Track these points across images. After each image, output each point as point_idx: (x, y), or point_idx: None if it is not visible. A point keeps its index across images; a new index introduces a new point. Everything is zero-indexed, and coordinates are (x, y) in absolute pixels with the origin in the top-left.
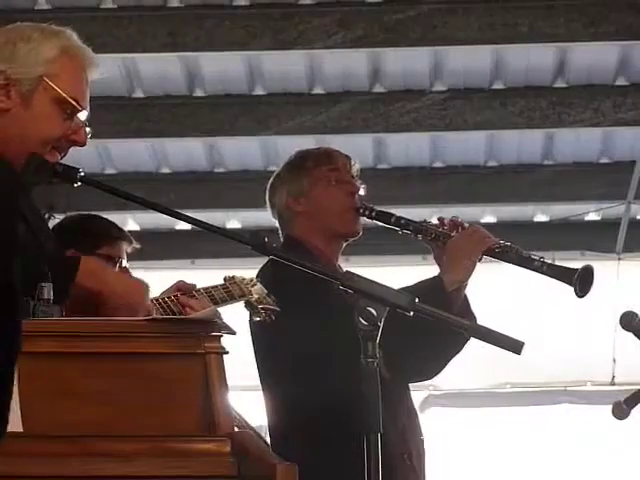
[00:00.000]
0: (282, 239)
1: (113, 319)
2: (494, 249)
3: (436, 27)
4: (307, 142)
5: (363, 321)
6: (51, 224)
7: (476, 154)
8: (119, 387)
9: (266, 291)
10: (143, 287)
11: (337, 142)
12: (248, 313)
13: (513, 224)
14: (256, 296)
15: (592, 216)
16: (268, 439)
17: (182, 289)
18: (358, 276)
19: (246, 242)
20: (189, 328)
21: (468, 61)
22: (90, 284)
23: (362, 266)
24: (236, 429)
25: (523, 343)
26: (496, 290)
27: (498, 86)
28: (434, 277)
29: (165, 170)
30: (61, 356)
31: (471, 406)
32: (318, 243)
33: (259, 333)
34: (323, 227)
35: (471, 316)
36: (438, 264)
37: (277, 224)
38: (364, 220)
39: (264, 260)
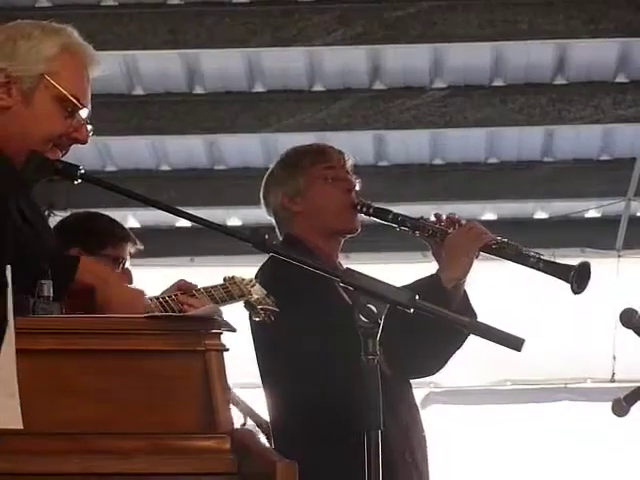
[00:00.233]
0: (280, 237)
1: (113, 316)
2: (491, 245)
3: (436, 24)
4: (307, 139)
5: (363, 318)
6: (51, 222)
7: (476, 151)
8: (119, 385)
9: (265, 292)
10: (138, 297)
11: (337, 139)
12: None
13: (513, 221)
14: (255, 296)
15: (592, 213)
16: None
17: (182, 288)
18: (358, 273)
19: (246, 239)
20: (189, 325)
21: (468, 58)
22: (89, 281)
23: (362, 263)
24: (251, 424)
25: (523, 340)
26: (496, 287)
27: (498, 83)
28: (432, 275)
29: (165, 167)
30: (61, 353)
31: (472, 403)
32: (317, 241)
33: (259, 331)
34: (321, 226)
35: (471, 313)
36: (437, 260)
37: (274, 222)
38: (362, 217)
39: (264, 258)
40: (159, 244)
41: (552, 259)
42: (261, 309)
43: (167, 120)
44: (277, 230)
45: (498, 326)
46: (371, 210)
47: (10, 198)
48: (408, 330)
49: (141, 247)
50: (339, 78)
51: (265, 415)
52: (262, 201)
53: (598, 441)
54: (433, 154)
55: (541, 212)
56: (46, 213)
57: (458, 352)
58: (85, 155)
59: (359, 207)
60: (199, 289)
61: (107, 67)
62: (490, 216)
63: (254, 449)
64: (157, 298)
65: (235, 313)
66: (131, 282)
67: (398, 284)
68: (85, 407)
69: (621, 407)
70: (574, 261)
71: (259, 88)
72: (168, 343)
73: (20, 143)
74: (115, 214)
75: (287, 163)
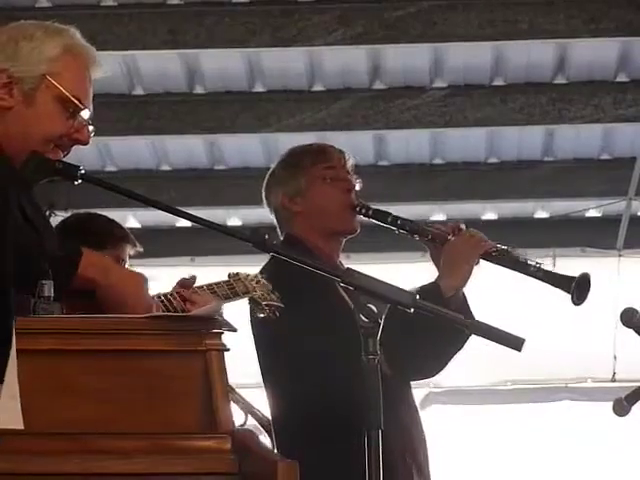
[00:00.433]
0: (281, 237)
1: (113, 316)
2: (491, 253)
3: (436, 24)
4: (307, 139)
5: (364, 318)
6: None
7: (476, 151)
8: (119, 384)
9: (270, 287)
10: (140, 278)
11: (337, 139)
12: (249, 310)
13: (513, 221)
14: (260, 292)
15: (593, 212)
16: None
17: (184, 285)
18: (359, 273)
19: (247, 239)
20: (190, 325)
21: (468, 58)
22: (89, 274)
23: (363, 263)
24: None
25: (524, 340)
26: (496, 287)
27: (498, 82)
28: (431, 283)
29: (165, 167)
30: (61, 354)
31: (472, 403)
32: (317, 241)
33: (260, 330)
34: (321, 226)
35: (470, 316)
36: (435, 264)
37: (275, 221)
38: (362, 218)
39: (265, 258)
40: (159, 244)
41: (552, 269)
42: (266, 305)
43: (167, 120)
44: (278, 230)
45: (498, 326)
46: (370, 212)
47: (11, 198)
48: (408, 330)
49: (140, 249)
50: (339, 78)
51: (267, 413)
52: (264, 201)
53: (599, 441)
54: (433, 154)
55: (541, 212)
56: (47, 213)
57: (459, 352)
58: (85, 155)
59: (358, 208)
60: (202, 286)
61: (107, 67)
62: (490, 216)
63: (255, 449)
64: (158, 296)
65: (236, 312)
66: None
67: (398, 284)
68: (85, 407)
69: (622, 407)
70: (574, 261)
71: (259, 88)
72: (169, 343)
73: (21, 143)
74: (115, 214)
75: (288, 163)
